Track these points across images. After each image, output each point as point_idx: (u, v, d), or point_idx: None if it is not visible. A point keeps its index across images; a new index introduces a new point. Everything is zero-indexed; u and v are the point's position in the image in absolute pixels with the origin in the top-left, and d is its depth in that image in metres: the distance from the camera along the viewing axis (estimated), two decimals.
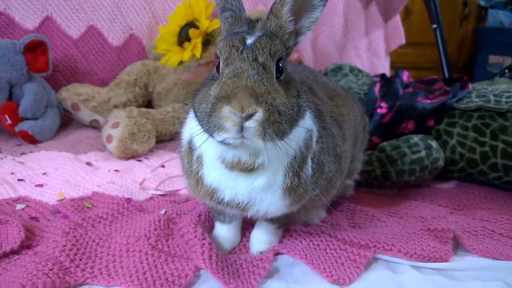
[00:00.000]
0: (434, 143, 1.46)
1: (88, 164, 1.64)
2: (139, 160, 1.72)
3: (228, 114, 0.70)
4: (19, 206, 1.26)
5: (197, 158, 0.89)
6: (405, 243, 1.06)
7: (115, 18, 2.27)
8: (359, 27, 2.80)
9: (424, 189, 1.54)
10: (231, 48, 0.77)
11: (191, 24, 2.07)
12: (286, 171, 0.85)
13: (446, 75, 3.04)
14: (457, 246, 1.12)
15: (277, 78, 0.78)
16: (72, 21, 2.21)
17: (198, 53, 2.01)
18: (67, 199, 1.32)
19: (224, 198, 0.88)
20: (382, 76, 1.87)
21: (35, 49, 1.91)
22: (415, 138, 1.46)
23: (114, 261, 1.00)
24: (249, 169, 0.82)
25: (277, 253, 1.04)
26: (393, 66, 3.34)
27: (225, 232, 1.08)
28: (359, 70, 2.05)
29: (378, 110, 1.66)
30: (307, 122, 0.87)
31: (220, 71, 0.78)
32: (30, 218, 1.20)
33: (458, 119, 1.53)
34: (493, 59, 3.94)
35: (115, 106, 2.05)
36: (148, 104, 2.23)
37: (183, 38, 2.10)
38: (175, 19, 2.13)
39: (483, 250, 1.07)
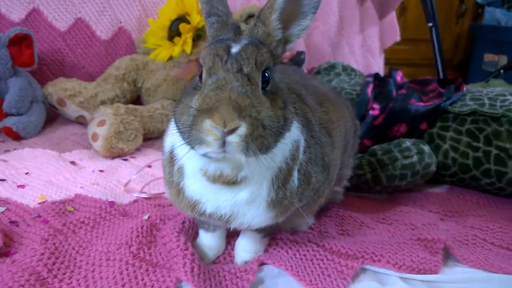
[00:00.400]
0: (426, 148, 1.43)
1: (72, 163, 1.59)
2: (125, 159, 1.67)
3: (210, 128, 0.67)
4: None
5: (178, 169, 0.86)
6: (394, 254, 1.04)
7: (103, 10, 2.20)
8: (353, 24, 2.75)
9: (415, 194, 1.51)
10: (214, 57, 0.74)
11: (182, 19, 2.02)
12: (270, 184, 0.82)
13: (441, 75, 3.01)
14: (448, 255, 1.09)
15: (263, 89, 0.75)
16: (60, 13, 2.13)
17: (188, 49, 1.95)
18: (49, 202, 1.27)
19: (206, 210, 0.85)
20: (376, 76, 1.84)
21: (20, 42, 1.84)
22: (407, 143, 1.43)
23: (93, 271, 0.96)
24: (231, 182, 0.79)
25: (262, 263, 1.01)
26: (387, 62, 3.30)
27: (209, 240, 1.05)
28: (352, 69, 2.02)
29: (370, 112, 1.63)
30: (294, 132, 0.84)
31: (203, 82, 0.75)
32: (9, 222, 1.16)
33: (451, 122, 1.50)
34: (488, 57, 3.91)
35: (103, 102, 1.99)
36: (137, 100, 2.17)
37: (173, 32, 2.04)
38: (165, 12, 2.07)
39: (473, 260, 1.05)
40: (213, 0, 0.84)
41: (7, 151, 1.69)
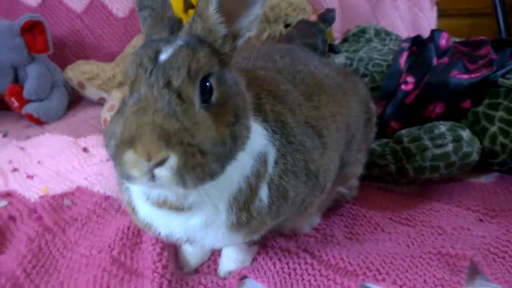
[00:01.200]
0: (465, 134, 1.16)
1: (84, 150, 1.58)
2: None
3: (133, 161, 0.55)
4: (1, 204, 1.23)
5: (126, 188, 0.76)
6: (404, 272, 0.86)
7: None
8: None
9: (453, 185, 1.26)
10: (137, 68, 0.59)
11: None
12: (229, 206, 0.69)
13: (502, 29, 2.51)
14: (477, 271, 0.89)
15: (204, 102, 0.60)
16: None
17: None
18: (49, 195, 1.26)
19: (160, 233, 0.74)
20: (414, 40, 1.55)
21: (32, 29, 1.82)
22: (442, 128, 1.17)
23: (70, 277, 0.94)
24: (180, 209, 0.67)
25: (244, 276, 0.90)
26: (444, 14, 2.79)
27: (191, 246, 0.96)
28: (387, 33, 1.72)
29: (403, 87, 1.38)
30: (258, 144, 0.69)
31: (125, 100, 0.61)
32: (8, 218, 1.17)
33: (502, 99, 1.21)
34: None
35: (121, 83, 1.95)
36: None
37: (188, 5, 1.90)
38: None
39: (509, 280, 0.84)
40: None
41: (28, 137, 1.72)
